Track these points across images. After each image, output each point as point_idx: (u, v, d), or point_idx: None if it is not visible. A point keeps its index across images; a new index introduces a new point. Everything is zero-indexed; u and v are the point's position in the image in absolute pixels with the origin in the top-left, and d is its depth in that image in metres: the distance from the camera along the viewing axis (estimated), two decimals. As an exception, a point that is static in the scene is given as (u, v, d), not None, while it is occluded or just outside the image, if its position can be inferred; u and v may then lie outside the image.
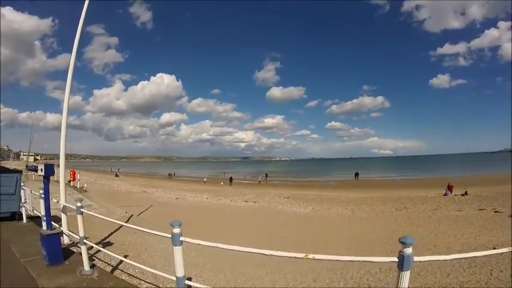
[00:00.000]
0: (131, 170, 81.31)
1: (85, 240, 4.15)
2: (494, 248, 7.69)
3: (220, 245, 2.52)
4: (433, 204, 15.99)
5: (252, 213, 14.96)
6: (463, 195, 18.00)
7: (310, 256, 2.05)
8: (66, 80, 5.94)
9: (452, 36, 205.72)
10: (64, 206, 5.58)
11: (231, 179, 37.82)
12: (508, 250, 2.30)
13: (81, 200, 4.37)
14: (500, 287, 4.25)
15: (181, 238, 2.69)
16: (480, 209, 13.04)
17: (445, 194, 19.29)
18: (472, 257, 3.28)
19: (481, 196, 16.76)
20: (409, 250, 1.99)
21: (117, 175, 50.01)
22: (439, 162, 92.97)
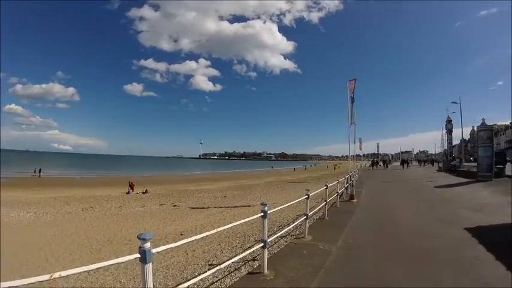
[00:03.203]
0: None
1: None
2: (181, 234, 9.29)
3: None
4: (118, 202, 16.53)
5: None
6: (144, 193, 20.29)
7: (57, 275, 1.79)
8: None
9: (158, 54, 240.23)
10: None
11: None
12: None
13: None
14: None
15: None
16: (161, 204, 15.40)
17: (128, 193, 20.59)
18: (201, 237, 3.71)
19: (160, 194, 20.09)
20: (148, 244, 2.18)
21: None
22: (120, 162, 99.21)
